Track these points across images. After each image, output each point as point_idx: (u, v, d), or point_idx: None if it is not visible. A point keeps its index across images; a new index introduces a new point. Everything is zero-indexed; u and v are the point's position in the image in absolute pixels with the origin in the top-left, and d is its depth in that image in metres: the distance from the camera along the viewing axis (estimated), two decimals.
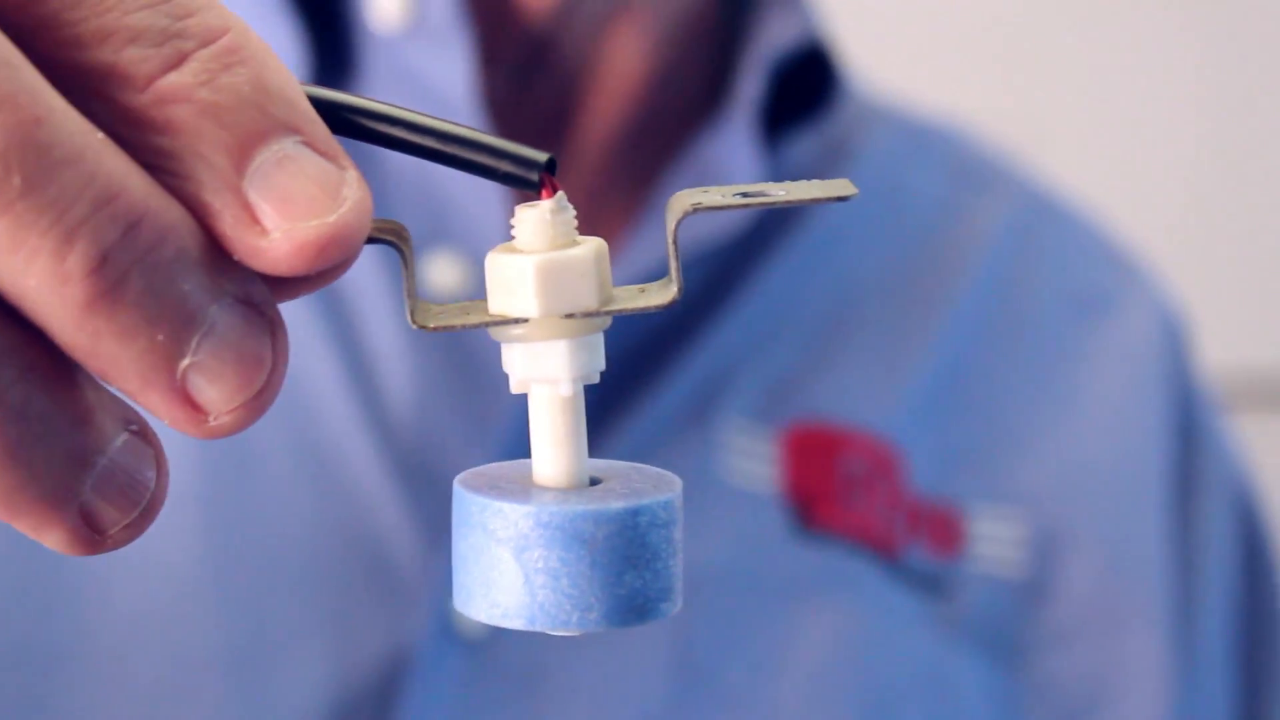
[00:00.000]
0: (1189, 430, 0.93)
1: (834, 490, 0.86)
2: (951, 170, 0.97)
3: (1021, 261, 0.94)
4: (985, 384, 0.91)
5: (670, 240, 0.37)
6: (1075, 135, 1.57)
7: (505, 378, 0.82)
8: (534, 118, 0.86)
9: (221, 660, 0.77)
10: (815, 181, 0.37)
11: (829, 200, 0.36)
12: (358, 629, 0.78)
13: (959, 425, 0.89)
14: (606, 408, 0.83)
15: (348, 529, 0.79)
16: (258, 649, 0.78)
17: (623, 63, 0.87)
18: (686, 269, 0.83)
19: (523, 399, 0.81)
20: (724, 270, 0.88)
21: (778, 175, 0.89)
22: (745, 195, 0.36)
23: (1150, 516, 0.90)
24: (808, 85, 0.91)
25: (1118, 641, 0.87)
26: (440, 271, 0.83)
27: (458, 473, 0.80)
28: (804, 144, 0.91)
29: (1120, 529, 0.90)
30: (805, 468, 0.86)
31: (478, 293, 0.83)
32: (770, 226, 0.90)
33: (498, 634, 0.79)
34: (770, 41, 0.88)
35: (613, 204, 0.87)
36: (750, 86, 0.87)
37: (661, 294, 0.37)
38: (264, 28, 0.84)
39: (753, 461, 0.86)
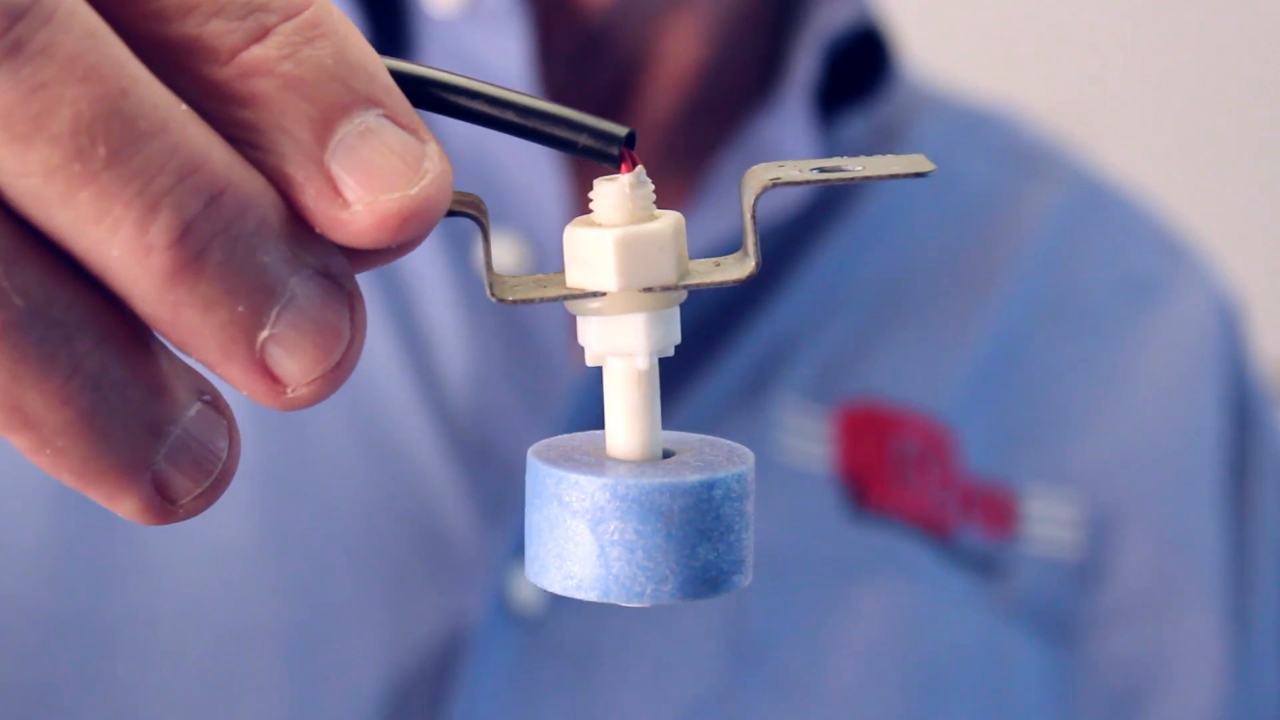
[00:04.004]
0: (1243, 414, 0.93)
1: (887, 470, 0.86)
2: (1003, 156, 0.97)
3: (1074, 245, 0.94)
4: (1038, 365, 0.91)
5: (749, 214, 0.37)
6: (1127, 124, 1.56)
7: (561, 353, 0.82)
8: (590, 102, 0.87)
9: (277, 637, 0.78)
10: (891, 156, 0.37)
11: (907, 176, 0.36)
12: (414, 606, 0.78)
13: (1012, 406, 0.90)
14: (661, 386, 0.83)
15: (404, 506, 0.80)
16: (314, 626, 0.78)
17: (679, 49, 0.87)
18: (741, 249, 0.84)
19: (580, 375, 0.81)
20: (778, 250, 0.88)
21: (832, 156, 0.89)
22: (822, 170, 0.36)
23: (1204, 498, 0.90)
24: (861, 69, 0.91)
25: (1172, 622, 0.87)
26: (497, 250, 0.83)
27: (514, 449, 0.80)
28: (856, 127, 0.92)
29: (1174, 510, 0.89)
30: (859, 448, 0.87)
31: (534, 271, 0.83)
32: (824, 207, 0.90)
33: (554, 611, 0.79)
34: (824, 24, 0.88)
35: (667, 187, 0.87)
36: (804, 68, 0.87)
37: (738, 268, 0.37)
38: None
39: (807, 441, 0.86)
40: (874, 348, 0.89)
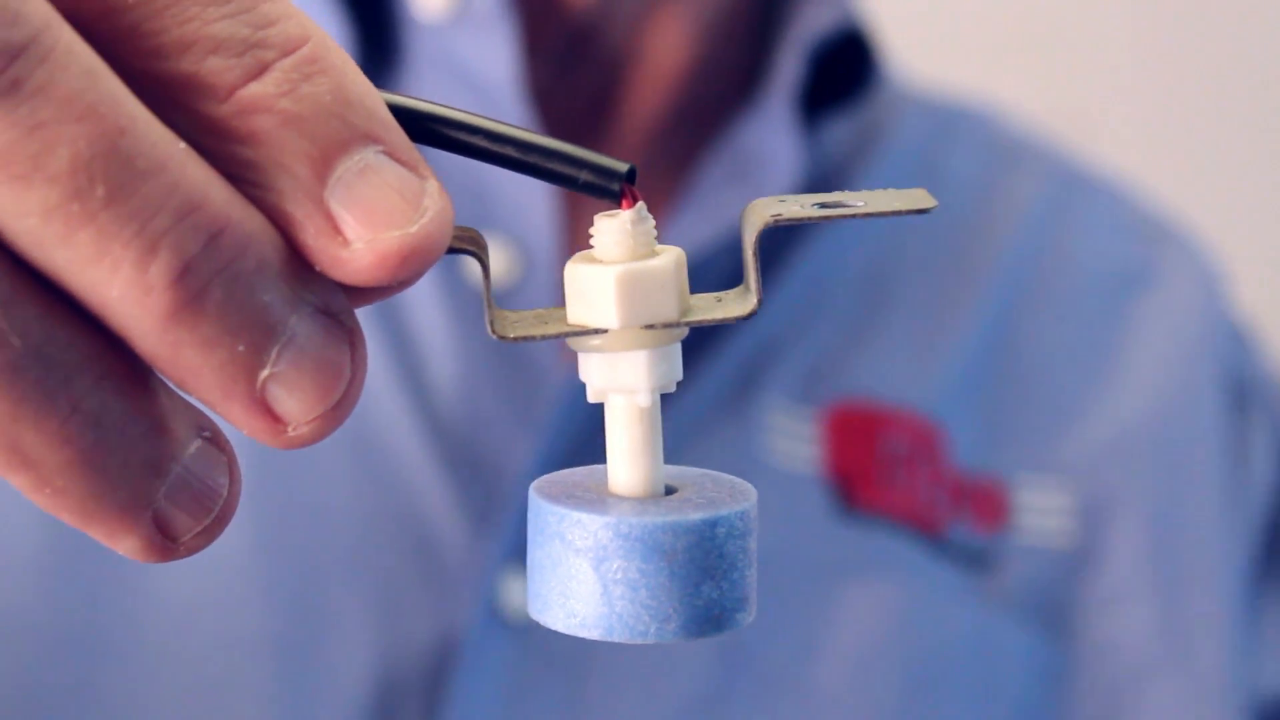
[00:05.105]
0: (1238, 384, 0.93)
1: (876, 470, 0.86)
2: (983, 150, 0.97)
3: (1056, 234, 0.95)
4: (1025, 355, 0.91)
5: (751, 252, 0.37)
6: (1125, 127, 1.56)
7: (550, 363, 0.82)
8: (575, 106, 0.87)
9: (269, 646, 0.78)
10: (893, 191, 0.37)
11: (908, 213, 0.36)
12: (405, 614, 0.78)
13: (1000, 398, 0.90)
14: None
15: (394, 516, 0.80)
16: (305, 635, 0.78)
17: (664, 51, 0.87)
18: (725, 253, 0.85)
19: (568, 384, 0.81)
20: (761, 253, 0.88)
21: (814, 159, 0.90)
22: (824, 206, 0.36)
23: (1203, 477, 0.90)
24: (846, 71, 0.91)
25: (1172, 603, 0.87)
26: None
27: (504, 458, 0.80)
28: (840, 129, 0.92)
29: (1171, 491, 0.89)
30: (847, 447, 0.87)
31: (524, 279, 0.83)
32: None
33: None
34: (808, 26, 0.88)
35: (651, 189, 0.87)
36: (788, 71, 0.87)
37: (740, 304, 0.37)
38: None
39: (794, 442, 0.86)
40: (859, 347, 0.89)
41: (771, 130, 0.87)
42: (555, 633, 0.80)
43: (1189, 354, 0.93)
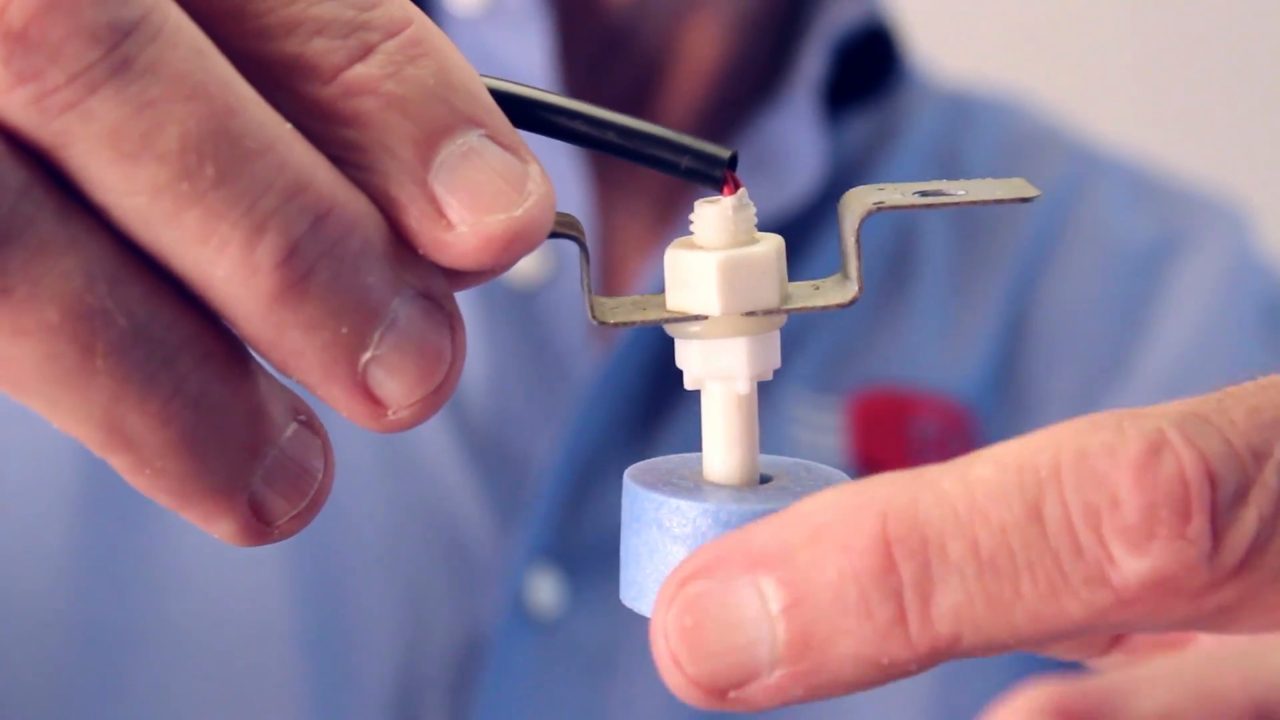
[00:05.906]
0: (1275, 308, 0.93)
1: (905, 457, 0.86)
2: (1002, 139, 0.97)
3: (1079, 213, 0.95)
4: (1054, 331, 0.91)
5: (853, 239, 0.37)
6: (1133, 123, 1.56)
7: (576, 357, 0.82)
8: (609, 103, 0.87)
9: (297, 641, 0.78)
10: (993, 181, 0.37)
11: (1010, 201, 0.36)
12: (431, 611, 0.78)
13: (1029, 376, 0.89)
14: (668, 386, 0.83)
15: (422, 512, 0.80)
16: (333, 631, 0.78)
17: (697, 49, 0.87)
18: None
19: (593, 379, 0.81)
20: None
21: (836, 152, 0.90)
22: (924, 194, 0.36)
23: None
24: (870, 65, 0.92)
25: None
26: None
27: (530, 453, 0.80)
28: (861, 123, 0.92)
29: None
30: (874, 435, 0.86)
31: (556, 275, 0.83)
32: (826, 199, 0.90)
33: (570, 615, 0.80)
34: (832, 21, 0.88)
35: (679, 185, 0.87)
36: (812, 66, 0.87)
37: (840, 292, 0.37)
38: None
39: (819, 433, 0.86)
40: (882, 332, 0.89)
41: (795, 124, 0.87)
42: (581, 630, 0.80)
43: (1225, 300, 0.92)
